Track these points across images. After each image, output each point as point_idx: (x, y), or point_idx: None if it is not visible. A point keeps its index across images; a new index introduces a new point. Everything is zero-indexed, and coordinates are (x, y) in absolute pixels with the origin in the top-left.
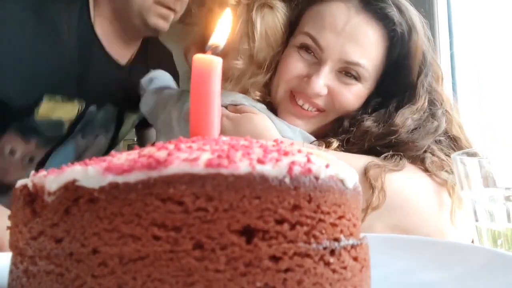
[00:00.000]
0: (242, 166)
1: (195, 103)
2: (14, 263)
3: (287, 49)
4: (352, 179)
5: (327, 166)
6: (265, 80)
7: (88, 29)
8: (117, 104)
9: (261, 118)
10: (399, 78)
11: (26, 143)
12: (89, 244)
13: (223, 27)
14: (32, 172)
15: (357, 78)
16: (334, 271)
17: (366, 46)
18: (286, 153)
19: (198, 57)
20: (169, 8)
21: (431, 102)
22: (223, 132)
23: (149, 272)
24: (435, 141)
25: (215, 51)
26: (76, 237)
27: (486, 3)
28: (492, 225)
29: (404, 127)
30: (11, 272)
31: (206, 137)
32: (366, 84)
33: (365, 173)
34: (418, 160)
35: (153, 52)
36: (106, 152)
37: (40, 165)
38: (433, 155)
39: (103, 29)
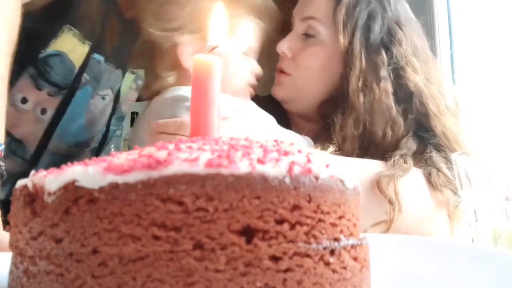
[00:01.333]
0: (242, 166)
1: (195, 103)
2: (14, 263)
3: None
4: (352, 179)
5: (327, 166)
6: (251, 70)
7: None
8: (120, 64)
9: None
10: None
11: (38, 91)
12: (89, 244)
13: (218, 24)
14: (32, 172)
15: (314, 35)
16: (334, 271)
17: (317, 1)
18: (286, 153)
19: (198, 57)
20: None
21: (376, 63)
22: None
23: (149, 272)
24: (433, 147)
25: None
26: (76, 237)
27: (486, 3)
28: (492, 225)
29: (359, 107)
30: (11, 272)
31: (206, 137)
32: (324, 44)
33: (377, 184)
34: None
35: None
36: (111, 115)
37: (54, 123)
38: (438, 170)
39: None
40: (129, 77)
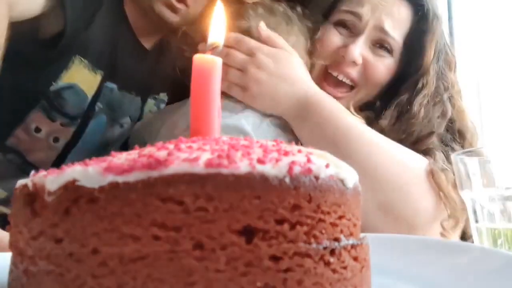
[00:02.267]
0: (242, 166)
1: (195, 103)
2: (14, 263)
3: (321, 30)
4: (352, 179)
5: (327, 166)
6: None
7: (119, 4)
8: (140, 90)
9: (299, 61)
10: (415, 59)
11: (52, 122)
12: (89, 244)
13: (218, 23)
14: (32, 172)
15: (390, 51)
16: (334, 271)
17: (398, 20)
18: (286, 153)
19: (198, 57)
20: None
21: (439, 87)
22: (262, 68)
23: (149, 272)
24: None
25: (215, 51)
26: (76, 237)
27: (486, 3)
28: (492, 225)
29: (420, 117)
30: (11, 272)
31: (206, 137)
32: (395, 60)
33: (429, 177)
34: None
35: (174, 39)
36: (127, 138)
37: (67, 150)
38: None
39: (131, 9)
40: (150, 103)
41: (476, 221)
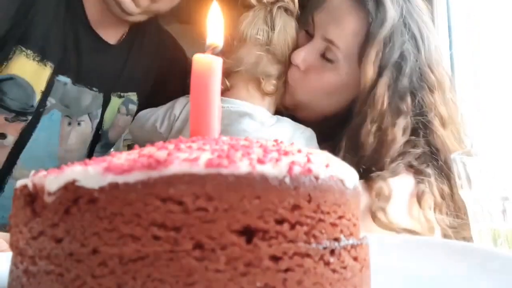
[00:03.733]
0: (242, 166)
1: (195, 103)
2: (14, 263)
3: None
4: (352, 179)
5: (327, 166)
6: (278, 73)
7: None
8: (102, 86)
9: None
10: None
11: None
12: (89, 244)
13: (215, 23)
14: (32, 172)
15: (333, 61)
16: (334, 271)
17: (344, 29)
18: (286, 153)
19: (198, 57)
20: None
21: (399, 110)
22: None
23: (149, 272)
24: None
25: (214, 51)
26: (76, 237)
27: (486, 3)
28: (492, 225)
29: (368, 149)
30: (11, 272)
31: (206, 137)
32: (339, 73)
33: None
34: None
35: (151, 38)
36: (93, 142)
37: (17, 148)
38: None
39: (89, 2)
40: (115, 100)
41: (476, 221)
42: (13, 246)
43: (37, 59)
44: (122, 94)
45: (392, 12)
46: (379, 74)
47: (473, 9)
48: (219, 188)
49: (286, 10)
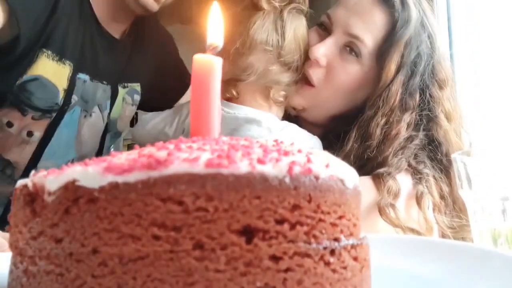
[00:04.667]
0: (242, 166)
1: (195, 103)
2: (14, 263)
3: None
4: (352, 179)
5: (327, 166)
6: (288, 81)
7: None
8: (111, 79)
9: None
10: (381, 71)
11: (23, 116)
12: (89, 244)
13: (215, 24)
14: (32, 172)
15: (358, 54)
16: (334, 271)
17: (370, 24)
18: (286, 153)
19: (198, 57)
20: None
21: (408, 104)
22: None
23: (149, 272)
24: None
25: (215, 51)
26: (76, 237)
27: (486, 3)
28: (492, 225)
29: (375, 139)
30: (11, 272)
31: (206, 137)
32: (363, 67)
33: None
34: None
35: (151, 32)
36: (104, 133)
37: (43, 144)
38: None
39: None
40: (121, 91)
41: (476, 221)
42: (13, 246)
43: (56, 59)
44: (126, 84)
45: (415, 12)
46: (397, 71)
47: (473, 9)
48: (219, 188)
49: (298, 10)
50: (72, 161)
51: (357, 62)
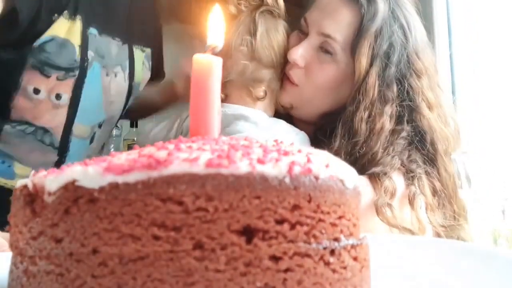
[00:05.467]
0: (242, 166)
1: (195, 103)
2: (14, 263)
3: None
4: (352, 179)
5: (327, 166)
6: (269, 77)
7: None
8: (121, 35)
9: None
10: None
11: (47, 78)
12: (89, 244)
13: (216, 24)
14: (32, 172)
15: (332, 53)
16: (334, 271)
17: (339, 22)
18: (286, 153)
19: (198, 57)
20: None
21: (387, 97)
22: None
23: (149, 272)
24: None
25: (214, 51)
26: (76, 237)
27: (486, 3)
28: (492, 225)
29: (361, 134)
30: (11, 272)
31: (206, 137)
32: (339, 65)
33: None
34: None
35: None
36: (128, 95)
37: (73, 105)
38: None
39: None
40: (138, 54)
41: (476, 221)
42: (13, 246)
43: (67, 16)
44: (143, 49)
45: (381, 5)
46: (370, 64)
47: (472, 9)
48: (219, 188)
49: (271, 13)
50: (102, 123)
51: (333, 60)
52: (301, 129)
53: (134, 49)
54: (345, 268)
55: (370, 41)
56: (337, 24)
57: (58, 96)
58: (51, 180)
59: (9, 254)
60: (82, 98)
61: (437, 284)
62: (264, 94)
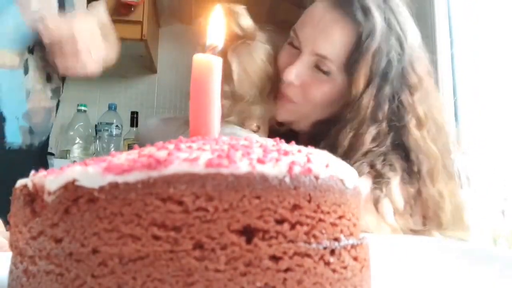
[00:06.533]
0: (242, 166)
1: (195, 103)
2: (14, 263)
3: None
4: (352, 179)
5: (327, 165)
6: (260, 112)
7: None
8: None
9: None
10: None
11: None
12: (89, 244)
13: (216, 25)
14: (32, 172)
15: (327, 73)
16: (334, 271)
17: (335, 41)
18: (286, 153)
19: (198, 57)
20: None
21: (376, 115)
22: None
23: (149, 272)
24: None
25: (214, 51)
26: (76, 237)
27: (486, 3)
28: (492, 225)
29: (341, 148)
30: (11, 272)
31: (206, 137)
32: (335, 83)
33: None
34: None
35: None
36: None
37: None
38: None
39: None
40: None
41: (476, 221)
42: (13, 246)
43: None
44: None
45: (379, 19)
46: (367, 84)
47: (474, 9)
48: (219, 188)
49: (243, 43)
50: (33, 48)
51: (328, 80)
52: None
53: None
54: (345, 268)
55: (369, 60)
56: (332, 45)
57: None
58: (51, 179)
59: (9, 254)
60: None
61: (437, 284)
62: (257, 128)
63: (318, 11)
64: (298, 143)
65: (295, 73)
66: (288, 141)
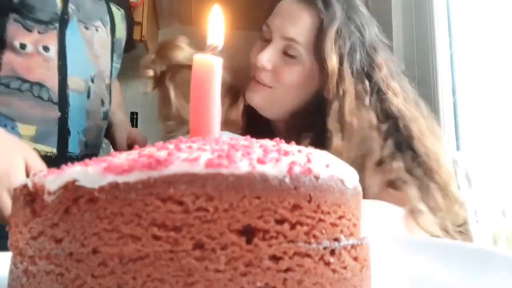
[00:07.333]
0: (242, 166)
1: (195, 103)
2: (14, 263)
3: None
4: (352, 179)
5: (327, 166)
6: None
7: None
8: None
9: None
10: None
11: (29, 32)
12: (89, 244)
13: (216, 24)
14: (33, 172)
15: (295, 57)
16: (334, 271)
17: (301, 26)
18: (286, 153)
19: (198, 57)
20: None
21: (360, 91)
22: None
23: (149, 272)
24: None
25: (214, 51)
26: (76, 237)
27: (486, 3)
28: (492, 225)
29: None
30: (11, 272)
31: (206, 137)
32: (304, 65)
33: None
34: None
35: None
36: (112, 50)
37: (62, 57)
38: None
39: None
40: (116, 11)
41: (476, 221)
42: (13, 246)
43: None
44: (118, 7)
45: (339, 10)
46: (340, 62)
47: (473, 8)
48: (219, 188)
49: (176, 71)
50: (94, 77)
51: (298, 63)
52: (272, 127)
53: (111, 6)
54: (345, 268)
55: (334, 41)
56: (299, 28)
57: (46, 48)
58: (51, 179)
59: (9, 254)
60: (68, 50)
61: (437, 284)
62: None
63: (286, 4)
64: (274, 135)
65: (266, 58)
66: (263, 133)
